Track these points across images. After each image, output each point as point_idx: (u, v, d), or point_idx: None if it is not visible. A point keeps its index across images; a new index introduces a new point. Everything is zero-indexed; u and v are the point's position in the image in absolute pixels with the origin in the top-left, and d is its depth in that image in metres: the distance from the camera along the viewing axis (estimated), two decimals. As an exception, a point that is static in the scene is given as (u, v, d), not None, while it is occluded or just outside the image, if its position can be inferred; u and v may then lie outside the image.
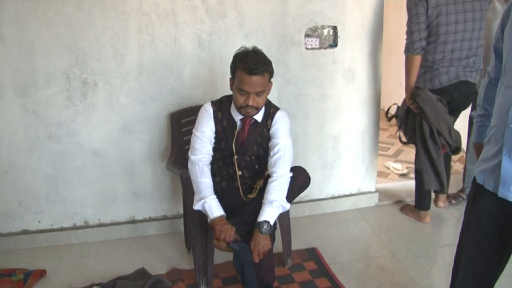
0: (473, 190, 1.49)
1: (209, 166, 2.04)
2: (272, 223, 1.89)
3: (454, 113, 2.71)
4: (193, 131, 2.05)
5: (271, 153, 2.01)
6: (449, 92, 2.56)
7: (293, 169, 2.06)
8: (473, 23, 2.46)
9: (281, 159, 1.97)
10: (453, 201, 3.06)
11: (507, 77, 1.33)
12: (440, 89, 2.54)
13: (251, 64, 1.81)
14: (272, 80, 1.98)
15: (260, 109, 1.96)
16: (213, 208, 1.91)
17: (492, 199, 1.38)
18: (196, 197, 1.98)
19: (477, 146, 1.62)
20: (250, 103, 1.86)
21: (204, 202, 1.93)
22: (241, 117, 2.00)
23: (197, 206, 1.95)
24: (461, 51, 2.50)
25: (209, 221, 1.92)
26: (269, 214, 1.89)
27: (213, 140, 2.03)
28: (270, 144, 2.03)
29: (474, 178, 1.47)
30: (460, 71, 2.52)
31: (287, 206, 1.98)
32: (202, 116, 2.02)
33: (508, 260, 1.45)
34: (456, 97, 2.59)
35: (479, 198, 1.44)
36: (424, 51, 2.53)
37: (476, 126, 1.62)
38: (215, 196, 1.96)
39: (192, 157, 2.01)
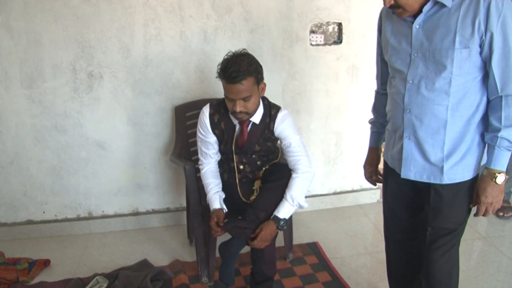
0: (385, 172, 1.69)
1: (215, 165, 2.11)
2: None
3: None
4: (197, 139, 2.10)
5: (287, 154, 2.02)
6: None
7: None
8: None
9: (299, 156, 1.99)
10: None
11: (397, 72, 1.49)
12: None
13: (231, 73, 1.79)
14: (264, 81, 1.94)
15: (252, 113, 1.93)
16: (211, 202, 2.01)
17: (400, 180, 1.54)
18: None
19: (372, 151, 1.82)
20: (237, 109, 1.85)
21: (207, 197, 2.03)
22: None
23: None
24: None
25: None
26: (287, 211, 1.92)
27: (217, 142, 2.05)
28: (282, 146, 2.04)
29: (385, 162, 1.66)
30: None
31: (305, 205, 1.99)
32: (200, 122, 2.04)
33: (425, 228, 1.54)
34: None
35: (390, 178, 1.63)
36: None
37: (370, 132, 1.83)
38: (215, 191, 2.02)
39: (199, 167, 2.11)
